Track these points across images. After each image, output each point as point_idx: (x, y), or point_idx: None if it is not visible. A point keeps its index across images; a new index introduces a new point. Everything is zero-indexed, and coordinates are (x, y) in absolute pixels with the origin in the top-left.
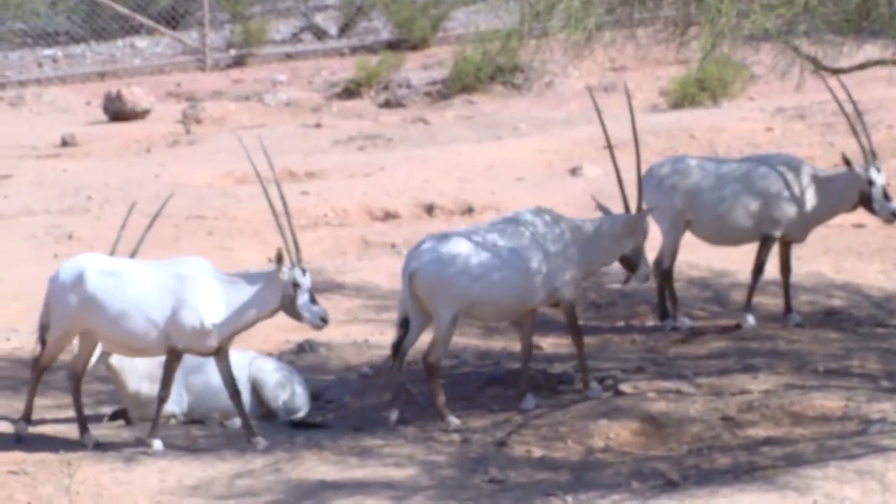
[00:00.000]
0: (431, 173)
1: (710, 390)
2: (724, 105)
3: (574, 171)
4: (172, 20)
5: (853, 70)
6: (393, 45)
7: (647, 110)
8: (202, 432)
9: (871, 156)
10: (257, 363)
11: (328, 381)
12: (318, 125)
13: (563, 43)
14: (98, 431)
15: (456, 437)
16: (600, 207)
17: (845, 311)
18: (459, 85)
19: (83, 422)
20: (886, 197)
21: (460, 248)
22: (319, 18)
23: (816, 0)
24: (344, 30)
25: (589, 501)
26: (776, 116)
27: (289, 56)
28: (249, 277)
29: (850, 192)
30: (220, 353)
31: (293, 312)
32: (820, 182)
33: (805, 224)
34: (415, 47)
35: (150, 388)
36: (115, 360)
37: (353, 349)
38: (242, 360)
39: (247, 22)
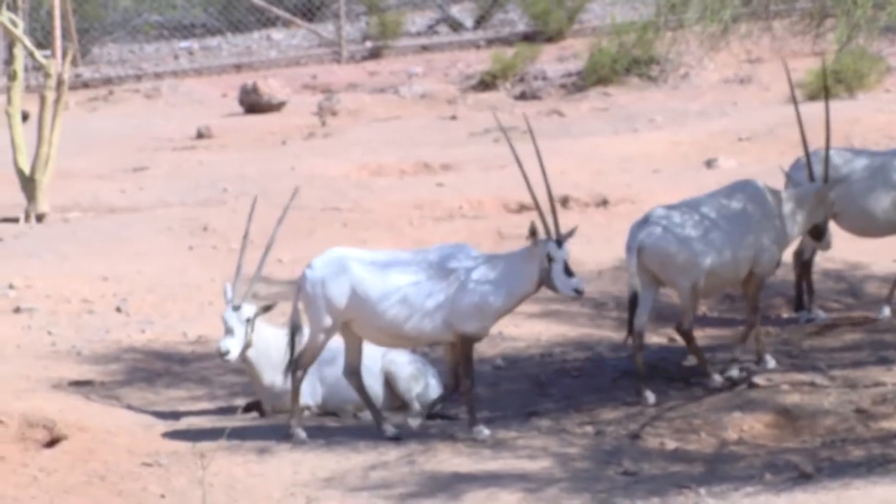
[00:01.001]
0: (566, 165)
1: (844, 382)
2: (860, 97)
3: (709, 164)
4: (308, 12)
5: None
6: (529, 37)
7: (783, 102)
8: (336, 424)
9: None
10: (390, 356)
11: None
12: (453, 117)
13: (699, 35)
14: (232, 423)
15: (590, 429)
16: (789, 178)
17: None
18: (595, 77)
19: (297, 415)
20: None
21: (688, 219)
22: (455, 10)
23: None
24: (480, 22)
25: (723, 494)
26: None
27: (424, 48)
28: (509, 256)
29: None
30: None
31: (550, 284)
32: None
33: None
34: (550, 39)
35: (283, 381)
36: (252, 352)
37: (487, 341)
38: (375, 353)
39: (383, 14)
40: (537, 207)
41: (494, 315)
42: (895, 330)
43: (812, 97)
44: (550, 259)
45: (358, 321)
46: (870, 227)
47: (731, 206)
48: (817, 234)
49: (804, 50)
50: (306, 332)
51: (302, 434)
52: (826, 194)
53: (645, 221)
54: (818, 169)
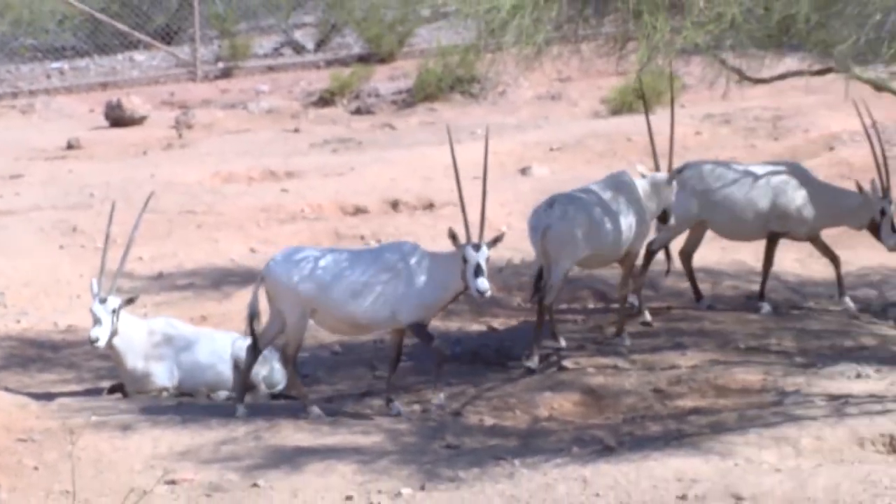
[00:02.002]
0: (397, 173)
1: (643, 366)
2: (658, 112)
3: (524, 171)
4: (167, 36)
5: (774, 80)
6: (363, 59)
7: (590, 116)
8: (191, 403)
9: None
10: (239, 343)
11: (303, 357)
12: (296, 130)
13: (515, 56)
14: (98, 403)
15: (417, 407)
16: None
17: (764, 296)
18: (422, 94)
19: (304, 397)
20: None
21: (584, 205)
22: (298, 35)
23: (741, 17)
24: (320, 45)
25: (535, 464)
26: (704, 122)
27: (270, 68)
28: (444, 256)
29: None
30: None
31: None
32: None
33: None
34: (383, 60)
35: (144, 366)
36: (117, 340)
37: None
38: (226, 341)
39: (233, 38)
40: (463, 213)
41: (431, 308)
42: (689, 318)
43: (615, 112)
44: (465, 260)
45: (320, 309)
46: (738, 232)
47: (613, 195)
48: (664, 217)
49: (609, 70)
50: (264, 319)
51: (317, 410)
52: (670, 184)
53: (550, 205)
54: (692, 173)
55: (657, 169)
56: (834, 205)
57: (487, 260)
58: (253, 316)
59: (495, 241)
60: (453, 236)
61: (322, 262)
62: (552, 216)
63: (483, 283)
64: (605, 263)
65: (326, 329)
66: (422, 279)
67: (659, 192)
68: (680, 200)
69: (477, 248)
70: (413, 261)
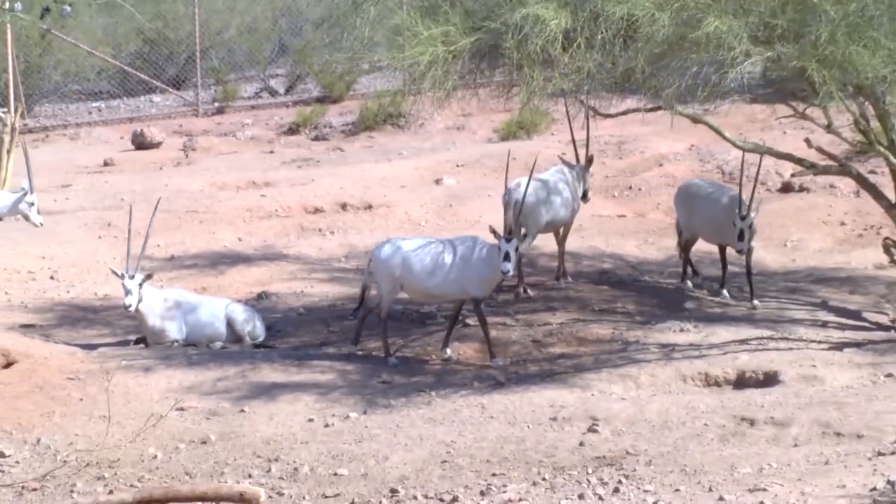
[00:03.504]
0: (345, 183)
1: (525, 323)
2: (535, 138)
3: (437, 182)
4: (177, 83)
5: (619, 115)
6: (321, 100)
7: (485, 142)
8: (195, 351)
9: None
10: (231, 307)
11: (277, 318)
12: (271, 152)
13: (431, 98)
14: (127, 352)
15: (360, 353)
16: (563, 161)
17: (612, 272)
18: (363, 125)
19: (387, 347)
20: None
21: (544, 187)
22: (273, 82)
23: (595, 69)
24: (289, 90)
25: (446, 395)
26: (568, 146)
27: (252, 107)
28: (494, 246)
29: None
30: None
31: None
32: None
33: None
34: (335, 101)
35: (160, 324)
36: (142, 305)
37: (293, 297)
38: (220, 305)
39: (225, 85)
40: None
41: (490, 284)
42: (558, 288)
43: (503, 138)
44: (499, 248)
45: (406, 285)
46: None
47: (560, 180)
48: (584, 196)
49: (499, 108)
50: (373, 291)
51: (394, 360)
52: (587, 171)
53: (518, 186)
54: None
55: (578, 162)
56: None
57: (517, 250)
58: (365, 287)
59: (525, 237)
60: (493, 231)
61: (411, 250)
62: (521, 195)
63: (506, 265)
64: (553, 230)
65: (412, 297)
66: (480, 263)
67: (583, 177)
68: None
69: (508, 240)
70: (476, 250)
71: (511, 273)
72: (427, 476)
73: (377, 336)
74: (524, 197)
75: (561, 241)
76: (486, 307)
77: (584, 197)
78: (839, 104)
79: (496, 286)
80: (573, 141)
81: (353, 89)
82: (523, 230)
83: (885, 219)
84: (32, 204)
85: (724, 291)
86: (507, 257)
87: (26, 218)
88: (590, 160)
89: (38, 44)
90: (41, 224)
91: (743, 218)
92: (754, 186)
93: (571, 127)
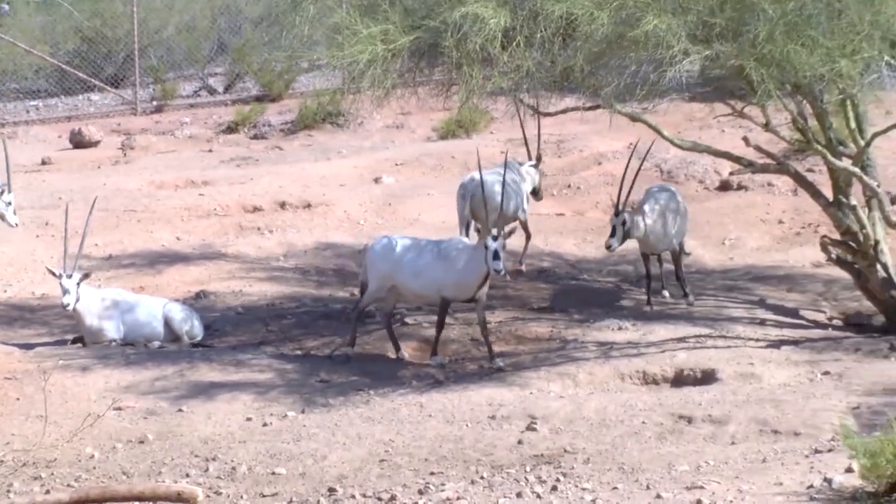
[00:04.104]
0: (284, 182)
1: (464, 321)
2: (474, 137)
3: (377, 180)
4: (115, 82)
5: (558, 114)
6: (259, 99)
7: (424, 140)
8: (133, 351)
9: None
10: (168, 306)
11: (216, 316)
12: (210, 150)
13: (370, 97)
14: (64, 351)
15: (299, 352)
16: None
17: (551, 270)
18: (302, 124)
19: (395, 343)
20: None
21: (497, 180)
22: (211, 81)
23: (534, 68)
24: (228, 88)
25: (385, 394)
26: (507, 144)
27: (191, 105)
28: (477, 246)
29: None
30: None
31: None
32: None
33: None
34: (274, 100)
35: (98, 323)
36: (79, 304)
37: (232, 296)
38: (158, 304)
39: (164, 83)
40: (473, 218)
41: (471, 286)
42: (496, 286)
43: (442, 137)
44: (486, 248)
45: (396, 283)
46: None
47: (511, 175)
48: (535, 193)
49: (438, 107)
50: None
51: (405, 354)
52: (537, 169)
53: (472, 180)
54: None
55: (530, 159)
56: None
57: (504, 248)
58: (364, 284)
59: (510, 234)
60: (478, 230)
61: (399, 251)
62: (476, 187)
63: (497, 264)
64: (507, 222)
65: (404, 298)
66: (461, 265)
67: (531, 175)
68: None
69: (495, 238)
70: (458, 252)
71: (503, 272)
72: (365, 475)
73: (315, 335)
74: (503, 187)
75: (527, 232)
76: (426, 306)
77: (536, 194)
78: (777, 103)
79: (480, 287)
80: (525, 140)
81: (292, 88)
82: (507, 227)
83: (823, 217)
84: (10, 203)
85: (665, 292)
86: (496, 256)
87: (2, 217)
88: (538, 158)
89: None
90: (17, 224)
91: (616, 214)
92: (624, 184)
93: (523, 126)
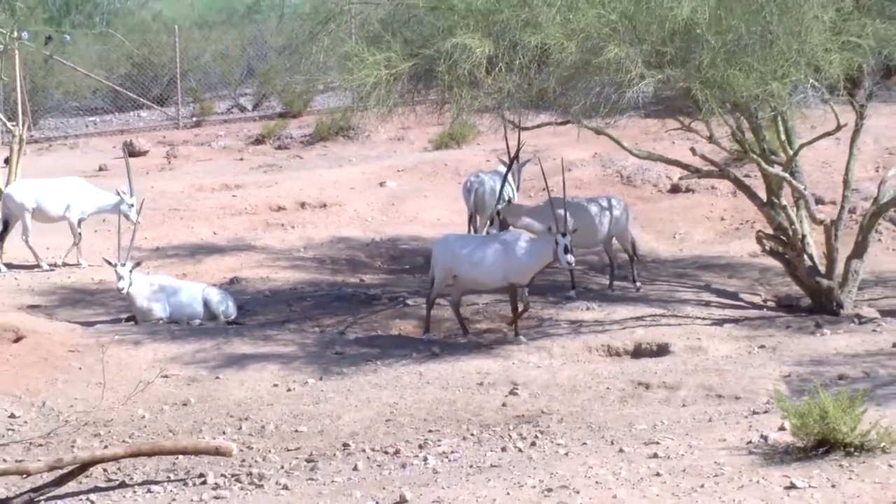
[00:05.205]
0: (303, 185)
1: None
2: (463, 148)
3: (382, 184)
4: (161, 101)
5: (534, 128)
6: (283, 115)
7: (422, 150)
8: (177, 328)
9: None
10: (207, 290)
11: (247, 299)
12: (241, 159)
13: (375, 114)
14: (119, 328)
15: (317, 329)
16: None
17: None
18: (319, 137)
19: (464, 326)
20: None
21: (490, 181)
22: (242, 100)
23: (514, 89)
24: (255, 106)
25: (390, 364)
26: (492, 154)
27: (225, 121)
28: (540, 239)
29: None
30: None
31: (556, 256)
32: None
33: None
34: (294, 116)
35: (147, 305)
36: (132, 288)
37: (260, 281)
38: (198, 288)
39: (202, 102)
40: (553, 211)
41: (531, 272)
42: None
43: (437, 148)
44: (557, 242)
45: (458, 274)
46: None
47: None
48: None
49: (433, 122)
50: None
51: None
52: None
53: (478, 178)
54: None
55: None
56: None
57: (570, 243)
58: (432, 278)
59: (574, 230)
60: (549, 228)
61: (456, 246)
62: (481, 185)
63: (570, 256)
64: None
65: (468, 286)
66: (522, 254)
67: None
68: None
69: (564, 235)
70: (517, 243)
71: (573, 264)
72: (374, 432)
73: (331, 314)
74: (502, 187)
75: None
76: (424, 290)
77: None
78: (719, 118)
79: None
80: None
81: (310, 106)
82: (571, 224)
83: (758, 215)
84: (132, 205)
85: (572, 292)
86: (566, 250)
87: (126, 216)
88: (522, 164)
89: (43, 67)
90: (139, 221)
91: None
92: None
93: (507, 138)
